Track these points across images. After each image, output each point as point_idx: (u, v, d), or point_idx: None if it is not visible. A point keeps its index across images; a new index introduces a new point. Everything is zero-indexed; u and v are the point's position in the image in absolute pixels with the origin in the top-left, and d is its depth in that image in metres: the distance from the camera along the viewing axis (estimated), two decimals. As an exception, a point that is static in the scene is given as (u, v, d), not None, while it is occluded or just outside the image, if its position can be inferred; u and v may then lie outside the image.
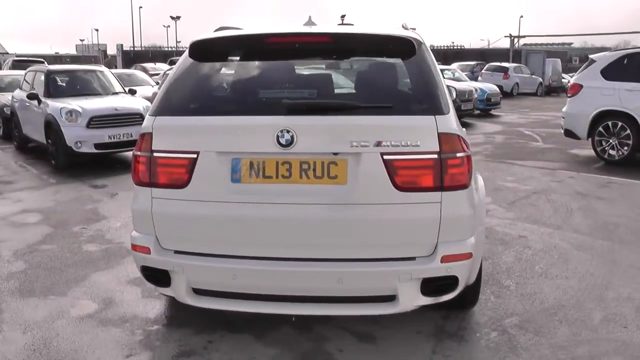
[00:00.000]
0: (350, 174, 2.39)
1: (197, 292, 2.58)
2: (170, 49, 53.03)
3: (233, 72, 2.81)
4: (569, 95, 8.24)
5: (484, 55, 36.26)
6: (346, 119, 2.40)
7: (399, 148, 2.35)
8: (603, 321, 3.19)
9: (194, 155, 2.45)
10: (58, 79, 8.62)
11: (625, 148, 7.56)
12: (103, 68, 9.78)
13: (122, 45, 40.07)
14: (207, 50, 2.75)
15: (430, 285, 2.47)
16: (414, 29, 2.91)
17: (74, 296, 3.59)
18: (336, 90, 2.69)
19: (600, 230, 4.87)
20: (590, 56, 8.27)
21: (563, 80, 32.07)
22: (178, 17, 57.31)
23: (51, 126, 7.58)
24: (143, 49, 50.64)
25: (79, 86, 8.70)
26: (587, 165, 7.90)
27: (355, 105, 2.40)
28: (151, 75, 15.78)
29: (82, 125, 7.46)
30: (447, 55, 34.78)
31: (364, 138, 2.35)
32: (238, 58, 2.83)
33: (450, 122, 2.42)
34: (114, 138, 7.69)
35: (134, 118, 7.96)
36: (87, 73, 9.00)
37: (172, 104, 2.60)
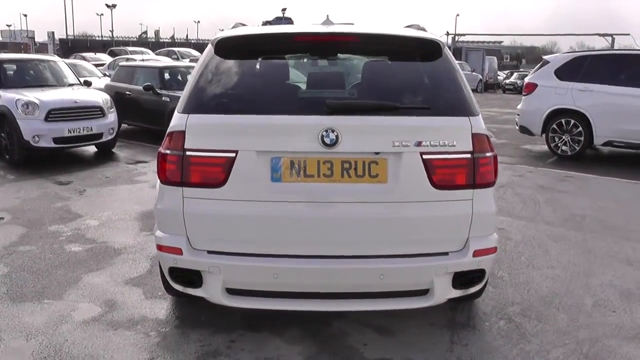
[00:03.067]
0: (391, 173, 2.45)
1: (230, 292, 2.55)
2: (105, 38, 50.65)
3: (264, 70, 2.78)
4: (524, 93, 8.70)
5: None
6: (389, 119, 2.45)
7: (437, 148, 2.44)
8: (594, 307, 3.45)
9: (233, 155, 2.42)
10: (8, 68, 8.07)
11: (577, 144, 8.10)
12: (56, 58, 9.27)
13: (53, 32, 37.81)
14: (234, 48, 2.72)
15: (461, 279, 2.58)
16: (425, 29, 2.99)
17: (72, 299, 3.43)
18: (370, 91, 2.73)
19: (570, 221, 5.21)
20: (544, 57, 8.77)
21: (499, 77, 33.72)
22: (114, 6, 54.78)
23: (5, 119, 7.10)
24: (76, 37, 48.04)
25: (32, 77, 8.20)
26: (542, 160, 8.39)
27: (397, 106, 2.46)
28: (95, 66, 15.04)
29: (39, 119, 7.05)
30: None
31: (406, 138, 2.42)
32: (267, 56, 2.80)
33: (481, 123, 2.54)
34: (74, 132, 7.33)
35: (94, 111, 7.64)
36: (40, 63, 8.48)
37: (205, 102, 2.54)
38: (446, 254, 2.55)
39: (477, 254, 2.55)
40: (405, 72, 2.69)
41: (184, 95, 2.62)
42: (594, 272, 3.98)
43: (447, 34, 38.11)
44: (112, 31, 55.14)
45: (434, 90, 2.61)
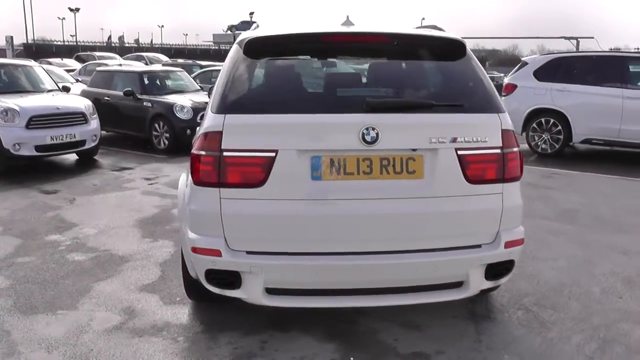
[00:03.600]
0: (427, 168, 2.50)
1: (269, 291, 2.54)
2: (68, 42, 49.20)
3: (297, 69, 2.79)
4: (503, 94, 8.95)
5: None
6: (426, 116, 2.51)
7: (471, 144, 2.51)
8: (602, 294, 3.59)
9: (273, 154, 2.42)
10: (-17, 74, 7.79)
11: (557, 142, 8.39)
12: (33, 62, 8.98)
13: (12, 37, 36.51)
14: (265, 48, 2.71)
15: (493, 270, 2.65)
16: (442, 29, 3.07)
17: (87, 309, 3.34)
18: (404, 89, 2.77)
19: (564, 216, 5.40)
20: (523, 59, 9.06)
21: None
22: (77, 9, 53.30)
23: (-17, 127, 6.84)
24: (36, 42, 46.49)
25: (8, 82, 7.91)
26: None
27: (433, 104, 2.52)
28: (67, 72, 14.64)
29: (20, 126, 6.81)
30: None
31: (442, 135, 2.48)
32: (298, 56, 2.82)
33: (508, 119, 2.63)
34: (56, 139, 7.12)
35: (77, 118, 7.45)
36: (17, 68, 8.20)
37: (242, 102, 2.53)
38: (479, 246, 2.61)
39: (508, 245, 2.63)
40: (434, 71, 2.75)
41: (215, 96, 2.60)
42: (595, 263, 4.14)
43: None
44: (74, 36, 53.64)
45: (464, 88, 2.67)
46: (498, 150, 2.56)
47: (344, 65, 2.83)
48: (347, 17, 3.06)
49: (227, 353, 2.81)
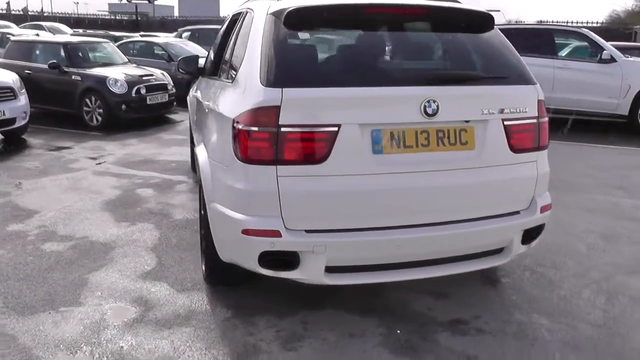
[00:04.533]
0: (478, 139, 2.54)
1: (329, 270, 2.47)
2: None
3: (345, 41, 2.68)
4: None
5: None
6: (479, 88, 2.54)
7: (515, 114, 2.58)
8: (589, 250, 3.91)
9: (335, 129, 2.32)
10: None
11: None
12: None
13: None
14: (308, 19, 2.60)
15: (528, 234, 2.78)
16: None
17: (93, 303, 3.06)
18: (454, 61, 2.76)
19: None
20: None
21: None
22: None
23: None
24: None
25: None
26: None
27: (483, 76, 2.54)
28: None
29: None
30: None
31: (492, 106, 2.52)
32: (344, 27, 2.72)
33: (541, 90, 2.72)
34: (-18, 117, 6.34)
35: (5, 93, 6.68)
36: None
37: (298, 75, 2.40)
38: (518, 212, 2.72)
39: (543, 210, 2.76)
40: (475, 44, 2.76)
41: (257, 68, 2.42)
42: (574, 224, 4.46)
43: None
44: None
45: (504, 61, 2.72)
46: (535, 120, 2.67)
47: (389, 37, 2.76)
48: None
49: (272, 337, 2.71)
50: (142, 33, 21.12)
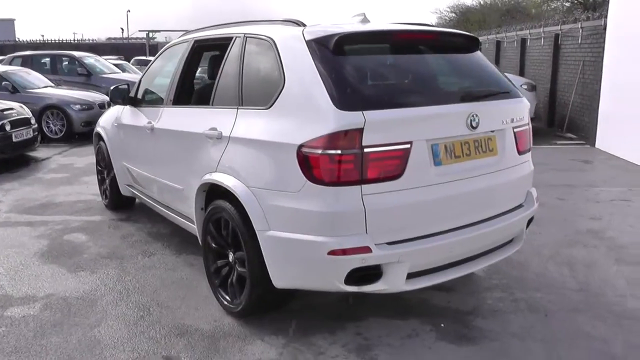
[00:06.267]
0: (500, 146, 2.99)
1: (408, 276, 2.65)
2: None
3: (394, 64, 2.97)
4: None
5: (119, 50, 34.95)
6: (501, 102, 3.02)
7: (519, 122, 3.11)
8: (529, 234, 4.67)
9: (408, 146, 2.55)
10: None
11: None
12: None
13: None
14: (355, 44, 2.82)
15: (529, 223, 3.32)
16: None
17: (125, 358, 2.77)
18: (474, 80, 3.16)
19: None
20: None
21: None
22: None
23: None
24: None
25: None
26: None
27: (500, 92, 3.02)
28: None
29: None
30: (80, 48, 29.18)
31: (507, 117, 3.02)
32: (384, 52, 3.00)
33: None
34: None
35: None
36: None
37: (372, 98, 2.63)
38: (522, 205, 3.23)
39: (536, 200, 3.32)
40: (480, 63, 3.21)
41: (317, 93, 2.54)
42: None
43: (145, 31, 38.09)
44: None
45: (497, 77, 3.22)
46: (528, 126, 3.23)
47: (424, 60, 3.14)
48: (364, 14, 3.27)
49: (343, 351, 2.79)
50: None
